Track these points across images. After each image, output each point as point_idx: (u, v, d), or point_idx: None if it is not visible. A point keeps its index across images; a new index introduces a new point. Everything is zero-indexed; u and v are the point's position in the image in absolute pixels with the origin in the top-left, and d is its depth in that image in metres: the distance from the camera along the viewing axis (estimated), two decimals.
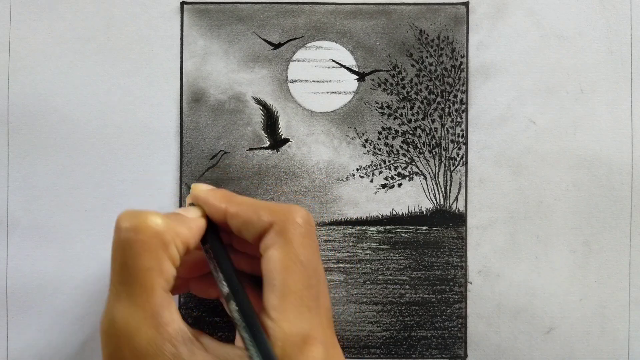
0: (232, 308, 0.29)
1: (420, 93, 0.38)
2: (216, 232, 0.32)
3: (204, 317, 0.38)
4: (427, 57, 0.38)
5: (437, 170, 0.38)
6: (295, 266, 0.29)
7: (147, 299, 0.27)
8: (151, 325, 0.27)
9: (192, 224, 0.30)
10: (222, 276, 0.30)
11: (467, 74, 0.38)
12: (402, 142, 0.38)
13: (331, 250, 0.38)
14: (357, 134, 0.38)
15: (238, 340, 0.33)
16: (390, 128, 0.38)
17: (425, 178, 0.38)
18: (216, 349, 0.29)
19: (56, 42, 0.38)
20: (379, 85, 0.38)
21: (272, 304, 0.28)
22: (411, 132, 0.38)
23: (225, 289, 0.30)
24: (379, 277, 0.38)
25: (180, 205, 0.38)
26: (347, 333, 0.38)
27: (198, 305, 0.38)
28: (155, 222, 0.28)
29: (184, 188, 0.38)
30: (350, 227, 0.38)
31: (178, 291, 0.35)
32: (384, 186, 0.38)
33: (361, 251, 0.38)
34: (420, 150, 0.38)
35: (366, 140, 0.38)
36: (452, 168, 0.38)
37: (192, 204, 0.33)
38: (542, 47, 0.38)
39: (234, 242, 0.33)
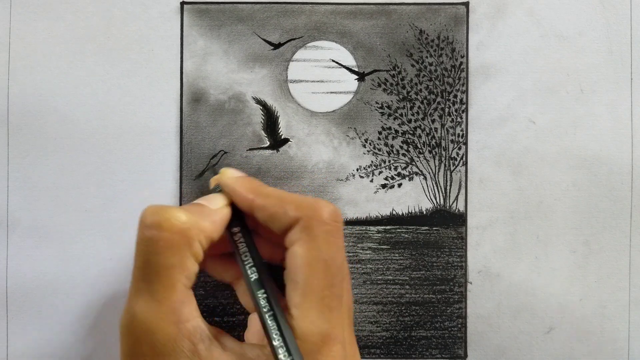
0: (259, 295, 0.29)
1: (420, 93, 0.38)
2: (242, 219, 0.31)
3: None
4: (427, 57, 0.38)
5: (437, 170, 0.38)
6: (319, 264, 0.28)
7: (168, 296, 0.27)
8: (171, 322, 0.27)
9: (216, 217, 0.30)
10: (252, 262, 0.30)
11: (467, 74, 0.38)
12: (402, 142, 0.38)
13: None
14: (357, 134, 0.38)
15: (250, 339, 0.33)
16: (390, 128, 0.38)
17: (425, 178, 0.38)
18: (234, 347, 0.29)
19: (56, 42, 0.38)
20: (379, 85, 0.38)
21: (293, 302, 0.28)
22: (411, 132, 0.38)
23: (254, 276, 0.29)
24: (379, 277, 0.38)
25: (181, 204, 0.38)
26: None
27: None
28: (179, 220, 0.28)
29: (209, 172, 0.38)
30: (350, 227, 0.38)
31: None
32: (384, 186, 0.38)
33: (361, 251, 0.38)
34: (420, 150, 0.38)
35: (366, 140, 0.38)
36: (452, 168, 0.38)
37: (216, 187, 0.32)
38: (542, 47, 0.38)
39: (259, 228, 0.33)
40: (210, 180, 0.34)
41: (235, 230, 0.31)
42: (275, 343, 0.27)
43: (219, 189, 0.32)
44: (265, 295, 0.29)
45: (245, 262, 0.30)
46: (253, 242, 0.31)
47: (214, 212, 0.30)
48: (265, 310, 0.28)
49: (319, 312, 0.28)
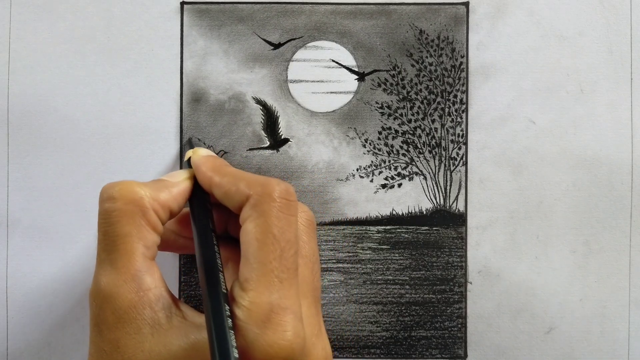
0: (199, 263, 0.29)
1: (420, 93, 0.38)
2: (203, 193, 0.32)
3: None
4: (427, 57, 0.38)
5: (437, 170, 0.38)
6: (267, 239, 0.29)
7: (127, 264, 0.28)
8: (131, 290, 0.28)
9: (174, 189, 0.31)
10: (195, 232, 0.30)
11: (467, 74, 0.38)
12: (402, 142, 0.38)
13: (331, 250, 0.38)
14: (357, 134, 0.38)
15: None
16: (390, 128, 0.38)
17: (425, 178, 0.38)
18: (194, 317, 0.29)
19: (56, 42, 0.38)
20: (379, 85, 0.38)
21: (244, 276, 0.28)
22: (411, 132, 0.38)
23: (196, 244, 0.30)
24: (379, 277, 0.38)
25: None
26: (347, 333, 0.38)
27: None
28: (131, 190, 0.29)
29: (185, 144, 0.38)
30: (350, 227, 0.38)
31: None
32: (384, 186, 0.38)
33: (361, 251, 0.38)
34: (420, 150, 0.38)
35: (366, 140, 0.38)
36: (452, 168, 0.38)
37: (187, 162, 0.33)
38: (542, 47, 0.38)
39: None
40: (185, 153, 0.34)
41: (196, 206, 0.31)
42: (211, 324, 0.27)
43: (189, 164, 0.33)
44: (202, 259, 0.29)
45: (196, 236, 0.30)
46: (207, 217, 0.31)
47: (172, 184, 0.31)
48: (200, 277, 0.28)
49: (268, 283, 0.28)
